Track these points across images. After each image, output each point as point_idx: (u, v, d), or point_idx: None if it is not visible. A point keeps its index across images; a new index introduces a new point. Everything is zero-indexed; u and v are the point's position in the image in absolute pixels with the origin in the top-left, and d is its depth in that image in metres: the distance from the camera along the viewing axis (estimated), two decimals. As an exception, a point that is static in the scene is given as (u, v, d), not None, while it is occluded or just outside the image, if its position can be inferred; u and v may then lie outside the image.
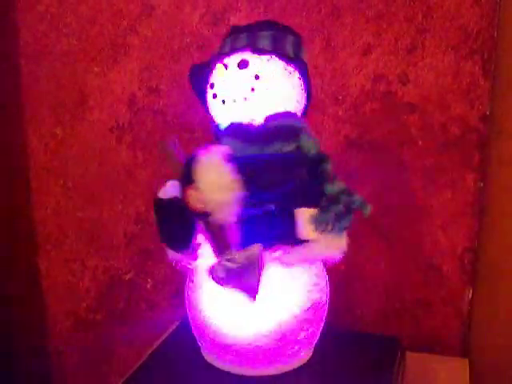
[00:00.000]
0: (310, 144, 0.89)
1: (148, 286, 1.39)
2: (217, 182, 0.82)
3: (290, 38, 0.91)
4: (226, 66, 0.88)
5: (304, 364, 0.95)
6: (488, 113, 1.14)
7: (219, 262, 0.83)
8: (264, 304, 0.87)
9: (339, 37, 1.17)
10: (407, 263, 1.23)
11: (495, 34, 1.11)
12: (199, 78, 0.94)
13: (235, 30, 0.92)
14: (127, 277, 1.40)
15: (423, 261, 1.22)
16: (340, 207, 0.87)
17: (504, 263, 1.15)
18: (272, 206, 0.85)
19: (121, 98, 1.31)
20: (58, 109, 1.36)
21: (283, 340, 0.89)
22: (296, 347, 0.91)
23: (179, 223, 0.86)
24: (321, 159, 0.89)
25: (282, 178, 0.86)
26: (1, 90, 1.40)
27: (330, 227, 0.86)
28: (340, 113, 1.19)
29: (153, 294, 1.40)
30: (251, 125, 0.88)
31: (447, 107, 1.15)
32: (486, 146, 1.15)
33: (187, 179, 0.84)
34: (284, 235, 0.86)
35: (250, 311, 0.87)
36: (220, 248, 0.84)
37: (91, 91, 1.33)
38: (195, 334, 0.95)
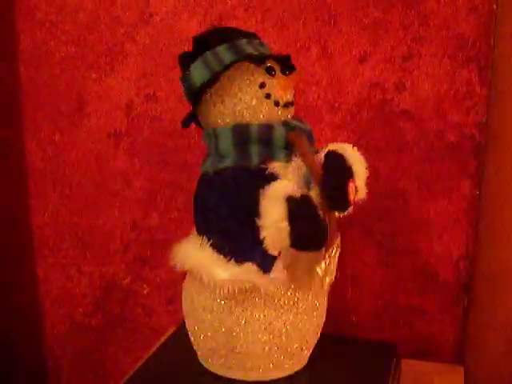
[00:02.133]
0: None
1: (144, 291, 1.39)
2: (365, 175, 0.88)
3: None
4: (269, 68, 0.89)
5: (299, 370, 0.95)
6: (484, 120, 1.14)
7: (326, 258, 0.86)
8: (263, 308, 0.87)
9: (336, 44, 1.18)
10: (403, 270, 1.23)
11: (491, 42, 1.11)
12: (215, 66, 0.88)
13: (251, 35, 0.91)
14: (123, 282, 1.40)
15: (419, 268, 1.22)
16: None
17: (500, 270, 1.15)
18: None
19: (118, 105, 1.32)
20: (56, 115, 1.36)
21: (280, 345, 0.89)
22: (293, 354, 0.91)
23: (318, 221, 0.81)
24: None
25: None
26: (0, 96, 1.40)
27: None
28: (336, 120, 1.20)
29: (149, 299, 1.40)
30: (308, 128, 0.91)
31: (443, 115, 1.16)
32: (482, 154, 1.15)
33: (337, 173, 0.85)
34: None
35: (248, 316, 0.88)
36: (332, 243, 0.86)
37: (89, 98, 1.33)
38: (192, 340, 0.95)
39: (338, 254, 0.87)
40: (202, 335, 0.92)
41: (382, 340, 1.20)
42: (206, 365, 0.95)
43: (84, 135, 1.35)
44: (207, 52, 0.89)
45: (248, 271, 0.84)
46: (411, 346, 1.24)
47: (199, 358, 0.97)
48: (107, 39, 1.30)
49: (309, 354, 0.96)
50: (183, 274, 0.94)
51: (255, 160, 0.86)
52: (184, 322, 0.97)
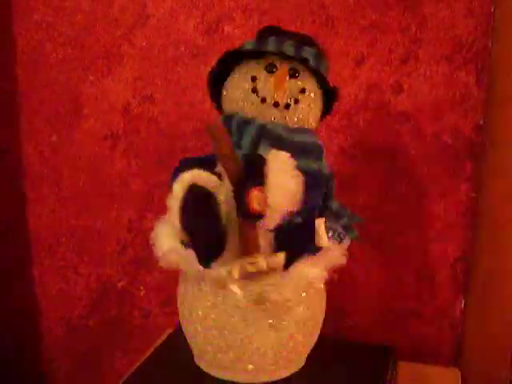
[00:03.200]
0: (325, 164, 0.92)
1: (140, 293, 1.39)
2: (287, 189, 0.82)
3: (325, 61, 0.91)
4: (275, 67, 0.88)
5: (296, 373, 0.95)
6: (482, 123, 1.14)
7: (241, 263, 0.81)
8: (261, 310, 0.87)
9: (333, 46, 1.18)
10: (400, 272, 1.23)
11: (489, 44, 1.11)
12: (226, 63, 0.91)
13: (277, 32, 0.91)
14: (120, 284, 1.40)
15: (416, 270, 1.22)
16: (345, 221, 0.92)
17: (496, 273, 1.15)
18: (299, 219, 0.85)
19: (115, 107, 1.32)
20: (53, 117, 1.36)
21: (277, 347, 0.89)
22: (289, 356, 0.91)
23: (208, 216, 0.81)
24: (330, 178, 0.92)
25: (314, 193, 0.88)
26: (-4, 98, 1.40)
27: (341, 236, 0.90)
28: (333, 122, 1.20)
29: (145, 301, 1.40)
30: (285, 135, 0.87)
31: (441, 117, 1.16)
32: (480, 157, 1.15)
33: (248, 178, 0.80)
34: (306, 246, 0.87)
35: (246, 318, 0.87)
36: (248, 251, 0.82)
37: (86, 99, 1.33)
38: (189, 342, 0.95)
39: (274, 271, 0.83)
40: (198, 337, 0.91)
41: (379, 342, 1.20)
42: (202, 366, 0.95)
43: (81, 137, 1.35)
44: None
45: (187, 254, 0.84)
46: (408, 349, 1.24)
47: (195, 359, 0.96)
48: (104, 41, 1.29)
49: (305, 357, 0.96)
50: (179, 276, 0.94)
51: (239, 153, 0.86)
52: (180, 324, 0.96)
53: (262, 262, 0.81)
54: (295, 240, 0.86)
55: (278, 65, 0.88)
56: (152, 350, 1.09)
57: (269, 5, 1.19)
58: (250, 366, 0.89)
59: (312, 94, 0.90)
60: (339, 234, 0.90)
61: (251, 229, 0.81)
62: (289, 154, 0.83)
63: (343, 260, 0.89)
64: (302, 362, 0.96)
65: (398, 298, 1.24)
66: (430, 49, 1.14)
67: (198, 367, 0.96)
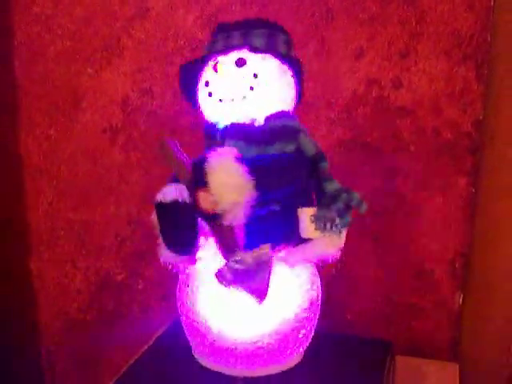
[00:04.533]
0: (309, 144, 0.89)
1: (139, 287, 1.39)
2: (230, 184, 0.81)
3: (281, 37, 0.90)
4: (219, 64, 0.88)
5: (294, 367, 0.95)
6: (481, 118, 1.14)
7: (227, 264, 0.83)
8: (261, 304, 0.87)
9: (332, 40, 1.17)
10: (398, 267, 1.23)
11: (489, 39, 1.11)
12: (189, 76, 0.92)
13: (225, 28, 0.91)
14: (118, 278, 1.40)
15: (414, 265, 1.22)
16: (340, 205, 0.88)
17: (495, 268, 1.15)
18: (277, 207, 0.85)
19: (114, 100, 1.31)
20: (52, 110, 1.36)
21: (277, 341, 0.89)
22: (288, 349, 0.91)
23: (183, 226, 0.85)
24: (319, 158, 0.90)
25: (284, 179, 0.86)
26: (-5, 91, 1.40)
27: (330, 225, 0.87)
28: (332, 116, 1.20)
29: (144, 295, 1.40)
30: (252, 125, 0.86)
31: (440, 112, 1.16)
32: (479, 151, 1.15)
33: (196, 181, 0.82)
34: (287, 235, 0.87)
35: (245, 312, 0.87)
36: (228, 250, 0.83)
37: (85, 92, 1.33)
38: (188, 336, 0.95)
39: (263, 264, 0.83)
40: (199, 332, 0.91)
41: (377, 337, 1.20)
42: (200, 360, 0.95)
43: (80, 130, 1.35)
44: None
45: None
46: (406, 344, 1.24)
47: (194, 353, 0.96)
48: (103, 34, 1.29)
49: (303, 351, 0.96)
50: (181, 270, 0.94)
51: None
52: (179, 318, 0.96)
53: (247, 258, 0.82)
54: (275, 228, 0.86)
55: (222, 61, 0.88)
56: (150, 343, 1.09)
57: (268, -2, 1.19)
58: (248, 360, 0.90)
59: (270, 75, 0.88)
60: (336, 225, 0.87)
61: (222, 228, 0.82)
62: (229, 148, 0.84)
63: (333, 252, 0.89)
64: (300, 357, 0.96)
65: (396, 293, 1.24)
66: (430, 43, 1.14)
67: (197, 361, 0.96)
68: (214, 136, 0.88)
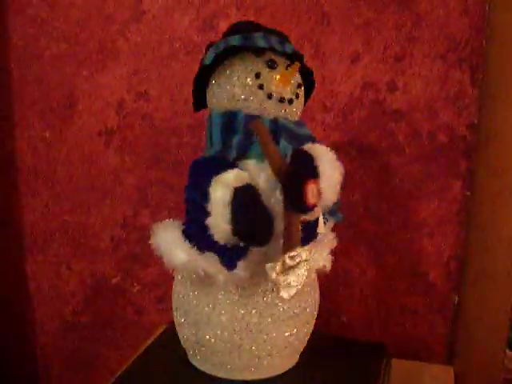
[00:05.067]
0: None
1: (134, 290, 1.39)
2: (335, 179, 0.82)
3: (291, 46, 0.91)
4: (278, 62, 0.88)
5: (290, 370, 0.95)
6: (476, 121, 1.14)
7: (282, 259, 0.79)
8: (252, 307, 0.87)
9: (328, 44, 1.18)
10: (393, 270, 1.23)
11: (484, 43, 1.12)
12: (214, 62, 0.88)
13: (258, 28, 0.89)
14: (113, 281, 1.40)
15: (409, 268, 1.22)
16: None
17: (490, 271, 1.15)
18: None
19: (109, 102, 1.31)
20: (47, 112, 1.36)
21: (270, 345, 0.89)
22: (282, 353, 0.91)
23: (263, 213, 0.80)
24: None
25: None
26: (-10, 93, 1.40)
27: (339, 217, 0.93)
28: (328, 120, 1.20)
29: (139, 298, 1.39)
30: (296, 130, 0.88)
31: (435, 115, 1.16)
32: (474, 155, 1.15)
33: (297, 172, 0.80)
34: (313, 233, 0.91)
35: (242, 315, 0.87)
36: (291, 244, 0.80)
37: (80, 95, 1.33)
38: (182, 340, 0.95)
39: (305, 266, 0.81)
40: (191, 333, 0.91)
41: (372, 340, 1.20)
42: (195, 363, 0.95)
43: (75, 133, 1.35)
44: (222, 39, 0.89)
45: (207, 259, 0.84)
46: (401, 346, 1.24)
47: (188, 356, 0.96)
48: (99, 36, 1.29)
49: (299, 354, 0.96)
50: (173, 273, 0.94)
51: (234, 153, 0.85)
52: (173, 321, 0.96)
53: (304, 254, 0.80)
54: (309, 228, 0.87)
55: (277, 61, 0.88)
56: (145, 346, 1.09)
57: (264, 1, 1.19)
58: (243, 363, 0.90)
59: (303, 88, 0.92)
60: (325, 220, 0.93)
61: (296, 222, 0.80)
62: (328, 148, 0.84)
63: (335, 243, 0.93)
64: (295, 359, 0.96)
65: (391, 296, 1.24)
66: (425, 47, 1.14)
67: (192, 364, 0.96)
68: (247, 129, 0.85)
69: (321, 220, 0.91)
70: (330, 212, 0.93)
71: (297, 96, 0.89)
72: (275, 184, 0.82)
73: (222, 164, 0.84)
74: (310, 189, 0.78)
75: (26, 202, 1.42)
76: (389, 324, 1.26)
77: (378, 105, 1.18)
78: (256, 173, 0.84)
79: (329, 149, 0.84)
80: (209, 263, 0.84)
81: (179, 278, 0.93)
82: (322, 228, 0.91)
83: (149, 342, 1.11)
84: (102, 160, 1.35)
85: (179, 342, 0.96)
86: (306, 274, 0.81)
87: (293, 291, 0.80)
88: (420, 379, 1.13)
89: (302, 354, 0.97)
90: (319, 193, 0.80)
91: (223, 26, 1.21)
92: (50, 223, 1.42)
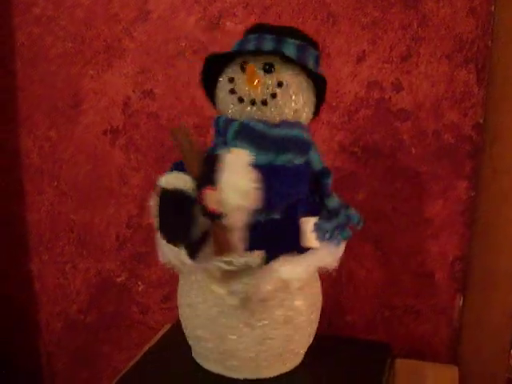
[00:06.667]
0: (317, 159, 0.90)
1: (139, 289, 1.39)
2: (239, 187, 0.81)
3: (312, 52, 0.90)
4: (248, 64, 0.88)
5: (294, 369, 0.95)
6: (481, 121, 1.14)
7: (216, 263, 0.82)
8: (256, 306, 0.87)
9: (334, 44, 1.18)
10: (398, 270, 1.23)
11: (490, 43, 1.11)
12: (213, 69, 0.91)
13: (260, 29, 0.90)
14: (118, 280, 1.40)
15: (414, 268, 1.22)
16: (340, 220, 0.90)
17: (495, 272, 1.15)
18: (277, 215, 0.85)
19: (115, 101, 1.31)
20: (53, 111, 1.36)
21: (274, 344, 0.89)
22: (287, 353, 0.91)
23: (181, 216, 0.84)
24: (323, 174, 0.90)
25: (290, 189, 0.86)
26: (-4, 92, 1.40)
27: (330, 235, 0.88)
28: (334, 119, 1.20)
29: (144, 297, 1.40)
30: (265, 131, 0.86)
31: (441, 115, 1.16)
32: (479, 155, 1.15)
33: (205, 176, 0.82)
34: (286, 244, 0.87)
35: (246, 314, 0.87)
36: (222, 250, 0.82)
37: (86, 94, 1.33)
38: (188, 338, 0.95)
39: (255, 273, 0.83)
40: (196, 332, 0.91)
41: (377, 340, 1.20)
42: (200, 362, 0.95)
43: (80, 132, 1.35)
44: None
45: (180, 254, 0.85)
46: (406, 346, 1.24)
47: (194, 355, 0.96)
48: (105, 35, 1.29)
49: (303, 354, 0.96)
50: (179, 274, 0.94)
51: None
52: (179, 320, 0.96)
53: (236, 261, 0.81)
54: (273, 237, 0.86)
55: (250, 63, 0.87)
56: (150, 345, 1.09)
57: (270, 1, 1.19)
58: (248, 363, 0.90)
59: (293, 87, 0.88)
60: (336, 237, 0.89)
61: (221, 228, 0.82)
62: (247, 152, 0.83)
63: (332, 262, 0.90)
64: (299, 359, 0.96)
65: (396, 296, 1.24)
66: (431, 47, 1.14)
67: (196, 362, 0.96)
68: (224, 132, 0.88)
69: (307, 232, 0.87)
70: (337, 227, 0.90)
71: (273, 96, 0.87)
72: None
73: (173, 165, 0.90)
74: (207, 195, 0.80)
75: (31, 200, 1.42)
76: (393, 324, 1.25)
77: (383, 104, 1.18)
78: None
79: (245, 155, 0.83)
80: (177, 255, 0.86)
81: (183, 276, 0.93)
82: (310, 242, 0.87)
83: (153, 341, 1.11)
84: (107, 159, 1.35)
85: (184, 341, 0.96)
86: (260, 282, 0.83)
87: (243, 297, 0.84)
88: (425, 379, 1.13)
89: (307, 354, 0.97)
90: (218, 199, 0.80)
91: (229, 25, 1.21)
92: (56, 222, 1.42)
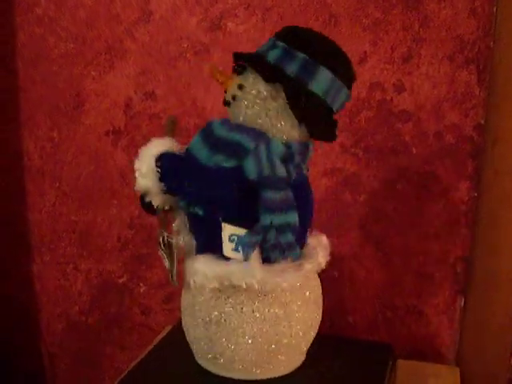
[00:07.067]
0: (251, 168, 0.84)
1: (141, 290, 1.39)
2: (142, 170, 0.93)
3: (299, 57, 0.85)
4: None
5: (296, 370, 0.95)
6: (483, 122, 1.14)
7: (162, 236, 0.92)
8: (259, 308, 0.87)
9: (336, 45, 1.18)
10: (400, 271, 1.23)
11: (491, 45, 1.11)
12: None
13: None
14: (120, 281, 1.40)
15: (416, 269, 1.22)
16: (268, 241, 0.84)
17: (496, 273, 1.15)
18: (199, 211, 0.88)
19: (117, 102, 1.32)
20: (55, 112, 1.36)
21: (276, 345, 0.89)
22: (288, 353, 0.91)
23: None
24: (260, 185, 0.84)
25: (207, 188, 0.87)
26: (-3, 93, 1.40)
27: (244, 254, 0.84)
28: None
29: (146, 298, 1.40)
30: (214, 131, 0.87)
31: (442, 116, 1.16)
32: (481, 156, 1.15)
33: None
34: (210, 242, 0.88)
35: (247, 315, 0.87)
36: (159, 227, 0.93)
37: (88, 95, 1.33)
38: (189, 339, 0.95)
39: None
40: (198, 333, 0.91)
41: (379, 341, 1.20)
42: (201, 363, 0.95)
43: (82, 132, 1.35)
44: None
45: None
46: (408, 347, 1.24)
47: (195, 356, 0.96)
48: (106, 36, 1.29)
49: (305, 354, 0.96)
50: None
51: None
52: (180, 321, 0.96)
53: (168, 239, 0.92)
54: (197, 231, 0.91)
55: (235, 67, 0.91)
56: (152, 346, 1.09)
57: (272, 2, 1.19)
58: (250, 363, 0.90)
59: (254, 91, 0.86)
60: (244, 249, 0.85)
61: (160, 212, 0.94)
62: (168, 142, 0.95)
63: (239, 280, 0.86)
64: (301, 360, 0.96)
65: (398, 297, 1.24)
66: (432, 48, 1.14)
67: (198, 364, 0.96)
68: None
69: (225, 242, 0.86)
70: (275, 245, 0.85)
71: (233, 98, 0.88)
72: None
73: None
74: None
75: (32, 201, 1.42)
76: (395, 325, 1.25)
77: (385, 105, 1.18)
78: None
79: (162, 143, 0.94)
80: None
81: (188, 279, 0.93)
82: (226, 251, 0.86)
83: (155, 342, 1.12)
84: (109, 160, 1.35)
85: (186, 342, 0.96)
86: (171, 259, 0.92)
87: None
88: (426, 380, 1.13)
89: (309, 355, 0.97)
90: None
91: (231, 26, 1.21)
92: (57, 223, 1.42)
